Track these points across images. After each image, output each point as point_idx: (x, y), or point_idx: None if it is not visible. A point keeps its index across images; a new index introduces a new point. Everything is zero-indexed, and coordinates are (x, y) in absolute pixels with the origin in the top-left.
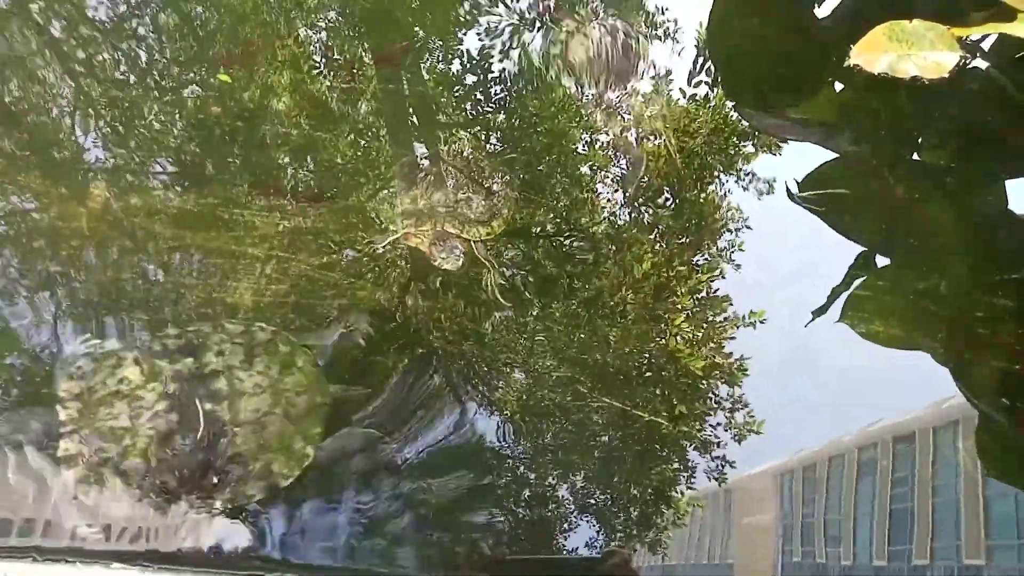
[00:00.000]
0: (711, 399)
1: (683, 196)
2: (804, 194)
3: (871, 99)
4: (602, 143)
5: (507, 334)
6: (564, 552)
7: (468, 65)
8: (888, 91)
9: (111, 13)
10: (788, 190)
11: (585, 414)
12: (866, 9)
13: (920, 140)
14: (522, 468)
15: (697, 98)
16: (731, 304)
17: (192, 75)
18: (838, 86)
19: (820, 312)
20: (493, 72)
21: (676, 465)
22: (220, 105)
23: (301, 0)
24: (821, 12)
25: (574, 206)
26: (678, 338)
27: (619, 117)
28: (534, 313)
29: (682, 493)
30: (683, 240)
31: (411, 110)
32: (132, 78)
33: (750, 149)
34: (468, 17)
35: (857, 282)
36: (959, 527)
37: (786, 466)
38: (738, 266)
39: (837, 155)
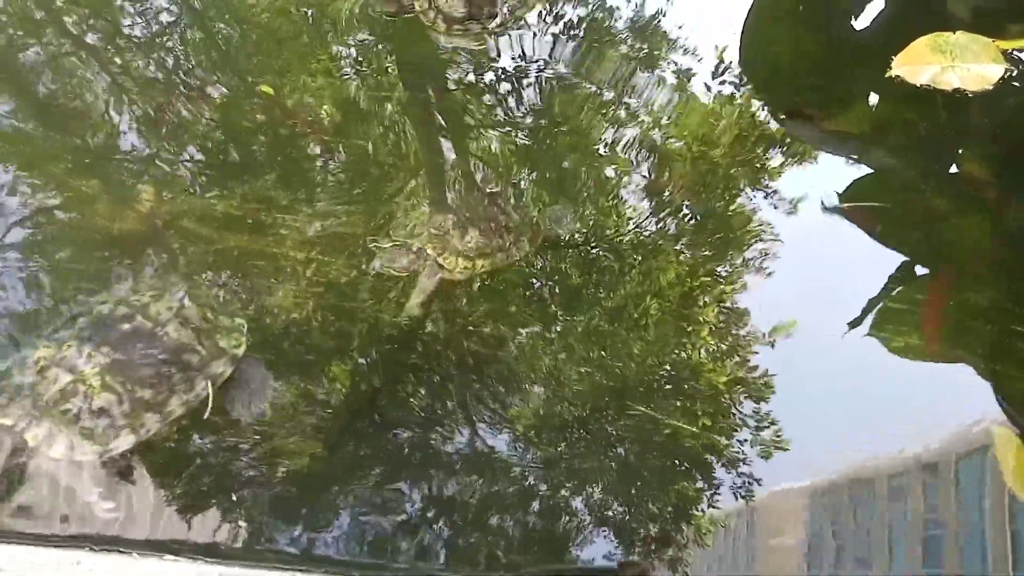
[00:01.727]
0: (735, 415)
1: (708, 208)
2: (842, 206)
3: (909, 111)
4: (626, 140)
5: (530, 350)
6: (579, 562)
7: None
8: (926, 103)
9: (145, 31)
10: (823, 203)
11: (602, 426)
12: (903, 21)
13: (960, 152)
14: (533, 479)
15: (720, 96)
16: (750, 316)
17: (217, 76)
18: (873, 98)
19: (855, 324)
20: (528, 78)
21: (699, 483)
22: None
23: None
24: (859, 23)
25: (601, 213)
26: (702, 351)
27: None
28: (558, 328)
29: (702, 512)
30: (707, 252)
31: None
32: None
33: (778, 160)
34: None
35: (892, 296)
36: (987, 552)
37: (815, 486)
38: (770, 273)
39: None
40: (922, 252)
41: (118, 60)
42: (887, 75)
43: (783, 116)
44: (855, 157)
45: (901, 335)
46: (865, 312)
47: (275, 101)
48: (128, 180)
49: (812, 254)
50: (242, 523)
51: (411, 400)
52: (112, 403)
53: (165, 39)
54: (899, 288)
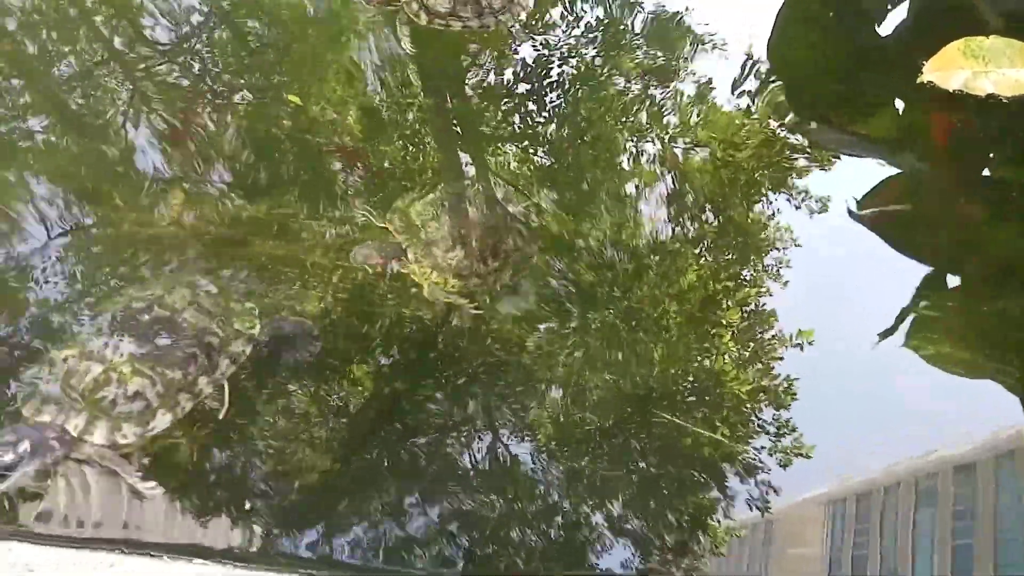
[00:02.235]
0: (755, 423)
1: (727, 215)
2: (865, 212)
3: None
4: (648, 155)
5: (548, 348)
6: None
7: (522, 75)
8: (958, 108)
9: (172, 35)
10: (849, 209)
11: (624, 438)
12: (931, 27)
13: (992, 157)
14: (556, 494)
15: (743, 106)
16: (777, 320)
17: (242, 81)
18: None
19: (887, 334)
20: (551, 78)
21: (715, 493)
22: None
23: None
24: (884, 29)
25: (618, 225)
26: (725, 357)
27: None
28: (573, 325)
29: (719, 522)
30: (729, 256)
31: (455, 123)
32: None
33: (802, 163)
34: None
35: (923, 304)
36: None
37: (836, 494)
38: (786, 283)
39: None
40: (951, 258)
41: (145, 70)
42: (919, 80)
43: (810, 120)
44: (883, 161)
45: (932, 343)
46: (898, 321)
47: (303, 111)
48: (157, 188)
49: (834, 258)
50: (259, 528)
51: (430, 404)
52: (145, 386)
53: (194, 42)
54: (929, 296)
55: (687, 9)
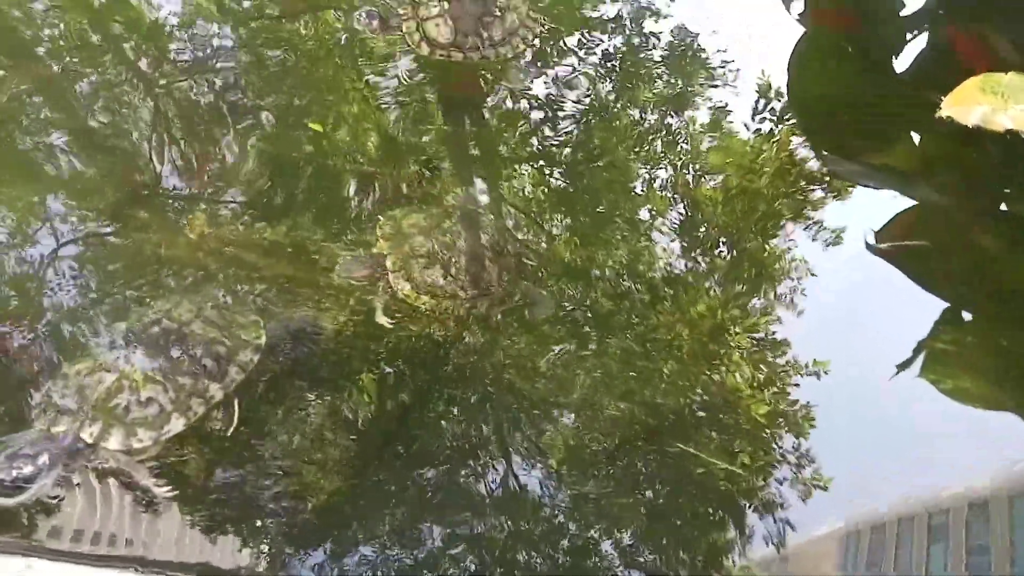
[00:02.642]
0: (775, 450)
1: (742, 247)
2: (882, 245)
3: (957, 148)
4: (661, 181)
5: (563, 370)
6: None
7: (535, 104)
8: (975, 141)
9: (194, 55)
10: (867, 242)
11: (631, 461)
12: (947, 62)
13: (1009, 191)
14: (562, 517)
15: (762, 132)
16: (790, 347)
17: (261, 103)
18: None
19: (905, 366)
20: (564, 110)
21: (731, 531)
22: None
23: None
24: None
25: (633, 255)
26: (737, 376)
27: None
28: (592, 347)
29: (734, 562)
30: (740, 288)
31: (473, 143)
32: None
33: (819, 194)
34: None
35: (941, 337)
36: None
37: (850, 528)
38: (800, 312)
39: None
40: (968, 291)
41: (166, 86)
42: (937, 116)
43: (826, 151)
44: (899, 193)
45: (951, 377)
46: (915, 353)
47: (324, 136)
48: (176, 209)
49: (848, 286)
50: (267, 547)
51: (441, 422)
52: (158, 392)
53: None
54: (947, 330)
55: (703, 37)
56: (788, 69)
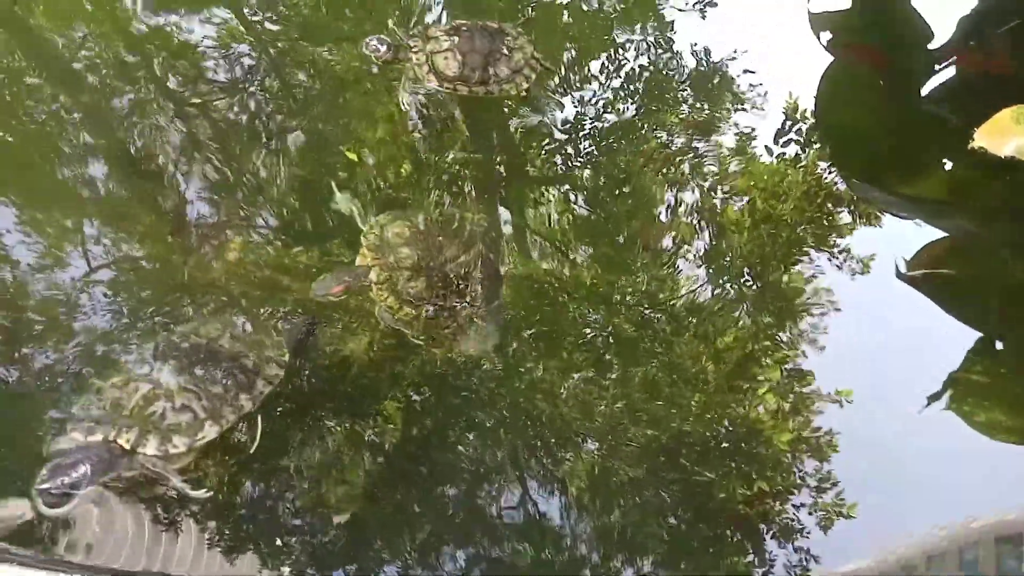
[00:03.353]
0: (795, 474)
1: (766, 278)
2: (913, 273)
3: (988, 178)
4: (687, 205)
5: (585, 398)
6: None
7: (560, 127)
8: (1007, 170)
9: (228, 76)
10: (897, 270)
11: (656, 490)
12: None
13: None
14: (584, 547)
15: (787, 157)
16: (814, 378)
17: (295, 124)
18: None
19: (935, 398)
20: (585, 130)
21: (750, 556)
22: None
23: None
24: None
25: (655, 283)
26: (760, 408)
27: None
28: (613, 376)
29: None
30: (767, 319)
31: (499, 161)
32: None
33: (846, 219)
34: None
35: (974, 368)
36: None
37: (879, 567)
38: (822, 348)
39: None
40: (1001, 322)
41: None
42: (970, 147)
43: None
44: (930, 223)
45: (983, 410)
46: (946, 386)
47: (358, 163)
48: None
49: (876, 317)
50: (288, 566)
51: (460, 447)
52: (192, 399)
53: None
54: (980, 362)
55: (728, 59)
56: (817, 97)
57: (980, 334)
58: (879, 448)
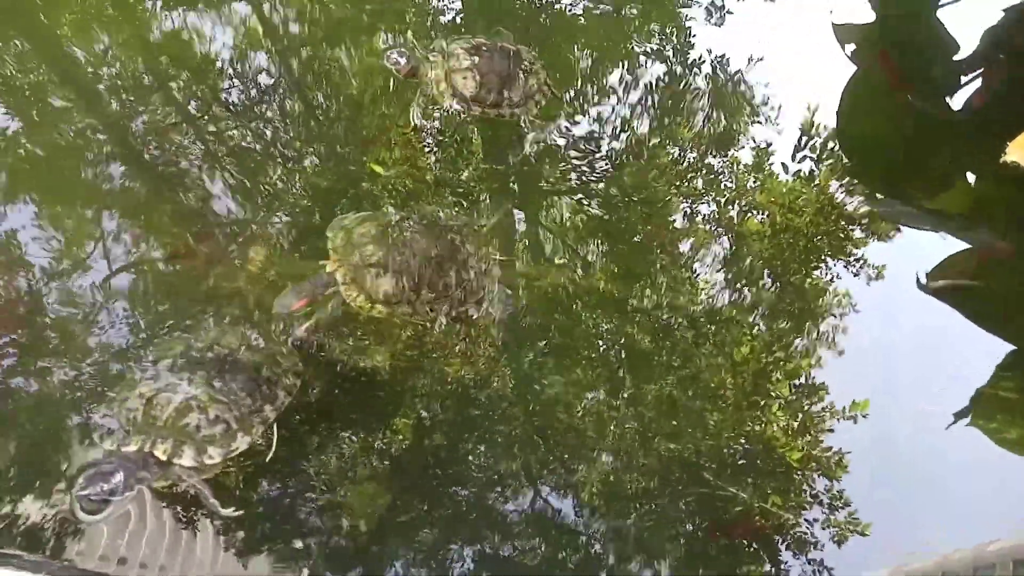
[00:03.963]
0: (807, 492)
1: (786, 280)
2: (935, 285)
3: (1014, 191)
4: (704, 215)
5: (597, 415)
6: None
7: (573, 142)
8: None
9: (243, 97)
10: (919, 281)
11: (671, 500)
12: (1006, 103)
13: None
14: (598, 547)
15: (802, 174)
16: (827, 392)
17: (312, 150)
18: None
19: (963, 414)
20: (600, 151)
21: (768, 567)
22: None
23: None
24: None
25: (673, 285)
26: (775, 426)
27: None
28: (625, 395)
29: None
30: (784, 324)
31: (513, 178)
32: (257, 147)
33: (859, 234)
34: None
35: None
36: None
37: None
38: (840, 352)
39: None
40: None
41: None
42: (1002, 160)
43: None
44: (956, 237)
45: (1015, 427)
46: (974, 402)
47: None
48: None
49: (894, 327)
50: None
51: (471, 457)
52: (224, 411)
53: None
54: (1010, 376)
55: (746, 72)
56: (839, 110)
57: (1007, 346)
58: (895, 456)
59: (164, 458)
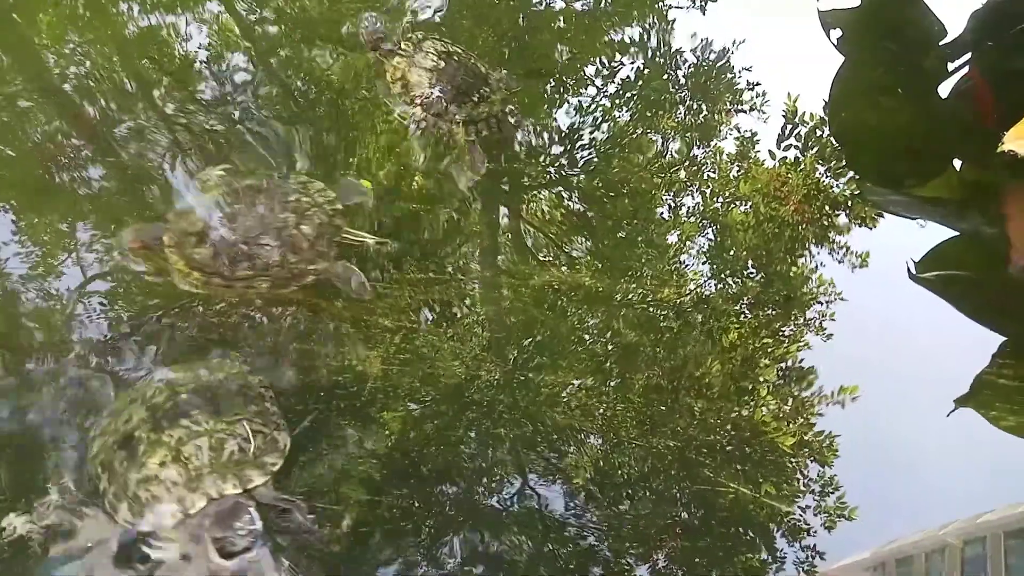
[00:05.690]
0: (799, 480)
1: (772, 269)
2: (925, 275)
3: (1005, 179)
4: (688, 208)
5: (586, 401)
6: None
7: (556, 138)
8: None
9: (217, 93)
10: (909, 270)
11: (666, 486)
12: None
13: None
14: (592, 538)
15: (787, 161)
16: (816, 376)
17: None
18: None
19: (963, 402)
20: (583, 141)
21: (764, 555)
22: None
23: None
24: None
25: (659, 277)
26: (764, 410)
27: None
28: (612, 384)
29: None
30: (770, 311)
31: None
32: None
33: (844, 220)
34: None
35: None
36: None
37: (878, 558)
38: (829, 336)
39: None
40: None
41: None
42: (998, 149)
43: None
44: (947, 225)
45: (1013, 414)
46: (973, 388)
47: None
48: None
49: (878, 314)
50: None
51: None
52: (248, 425)
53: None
54: (1006, 363)
55: (728, 61)
56: (829, 98)
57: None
58: (884, 442)
59: (240, 490)
